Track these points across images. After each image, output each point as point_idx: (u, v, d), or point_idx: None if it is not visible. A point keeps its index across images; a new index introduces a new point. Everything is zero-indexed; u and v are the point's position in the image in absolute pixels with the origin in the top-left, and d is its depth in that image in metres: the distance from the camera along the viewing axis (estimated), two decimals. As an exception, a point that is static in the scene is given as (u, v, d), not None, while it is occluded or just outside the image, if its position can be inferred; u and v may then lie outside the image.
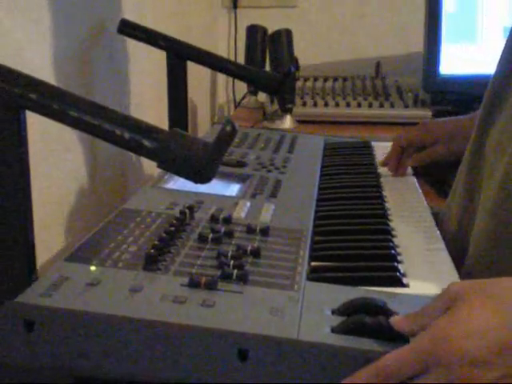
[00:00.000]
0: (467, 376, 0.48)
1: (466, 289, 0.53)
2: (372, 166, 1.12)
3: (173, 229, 0.72)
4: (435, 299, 0.55)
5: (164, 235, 0.70)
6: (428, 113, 1.75)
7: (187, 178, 0.60)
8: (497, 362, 0.48)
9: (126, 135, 0.59)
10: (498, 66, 0.85)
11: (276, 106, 1.73)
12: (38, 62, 0.88)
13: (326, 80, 1.91)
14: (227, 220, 0.78)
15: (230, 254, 0.67)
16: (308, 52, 2.04)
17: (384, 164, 1.12)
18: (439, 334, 0.50)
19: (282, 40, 1.73)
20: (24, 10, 0.84)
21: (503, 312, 0.50)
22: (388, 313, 0.57)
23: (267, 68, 1.83)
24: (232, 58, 2.07)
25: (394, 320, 0.55)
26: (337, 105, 1.77)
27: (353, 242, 0.77)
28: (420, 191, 1.02)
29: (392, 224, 0.84)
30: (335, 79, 1.91)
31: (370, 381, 0.50)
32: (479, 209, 0.78)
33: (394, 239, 0.79)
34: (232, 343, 0.52)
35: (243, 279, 0.62)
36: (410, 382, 0.50)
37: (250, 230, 0.75)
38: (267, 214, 0.82)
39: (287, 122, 1.69)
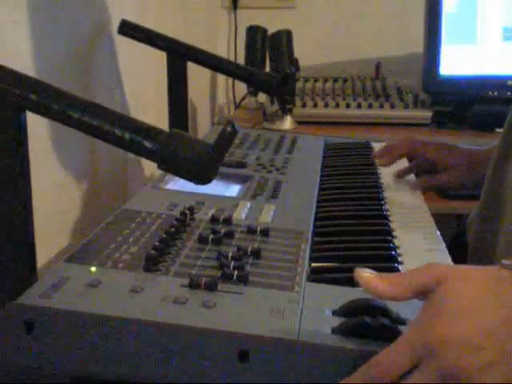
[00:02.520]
0: (458, 362, 0.48)
1: (450, 271, 0.52)
2: (372, 166, 1.12)
3: (173, 230, 0.72)
4: (417, 272, 0.53)
5: (164, 236, 0.70)
6: (428, 114, 1.75)
7: (187, 178, 0.60)
8: (485, 346, 0.48)
9: (126, 136, 0.59)
10: None
11: (276, 107, 1.74)
12: (37, 62, 0.88)
13: (326, 81, 1.91)
14: (227, 221, 0.78)
15: (230, 255, 0.67)
16: (308, 53, 2.04)
17: (380, 156, 1.10)
18: (426, 324, 0.50)
19: (281, 41, 1.73)
20: (24, 11, 0.84)
21: (488, 297, 0.50)
22: (388, 313, 0.57)
23: (267, 69, 1.84)
24: (232, 59, 2.07)
25: (372, 282, 0.54)
26: (337, 105, 1.77)
27: (353, 243, 0.77)
28: (420, 191, 1.02)
29: (392, 225, 0.84)
30: (335, 80, 1.91)
31: (366, 380, 0.50)
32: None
33: (394, 240, 0.79)
34: (232, 344, 0.52)
35: (243, 280, 0.62)
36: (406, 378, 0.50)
37: (251, 230, 0.75)
38: (267, 215, 0.82)
39: (287, 123, 1.69)
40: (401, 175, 1.08)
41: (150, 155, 0.59)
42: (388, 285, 0.53)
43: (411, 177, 1.10)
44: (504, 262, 0.52)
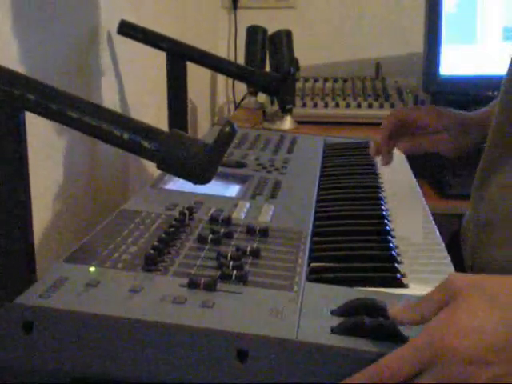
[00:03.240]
0: (464, 374, 0.48)
1: (466, 285, 0.52)
2: (372, 166, 1.12)
3: (172, 230, 0.72)
4: (435, 290, 0.54)
5: (164, 236, 0.70)
6: (428, 113, 1.75)
7: (187, 178, 0.60)
8: (493, 361, 0.48)
9: (126, 136, 0.59)
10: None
11: (276, 107, 1.74)
12: (37, 62, 0.88)
13: (325, 81, 1.91)
14: (227, 221, 0.78)
15: (229, 255, 0.67)
16: (308, 53, 2.04)
17: (377, 151, 1.01)
18: (436, 333, 0.50)
19: (281, 41, 1.73)
20: (24, 12, 0.84)
21: (501, 311, 0.50)
22: (387, 313, 0.57)
23: (267, 69, 1.84)
24: (232, 59, 2.07)
25: (394, 311, 0.55)
26: (337, 105, 1.77)
27: (352, 243, 0.77)
28: (420, 191, 1.02)
29: (391, 225, 0.84)
30: (335, 80, 1.91)
31: (371, 381, 0.50)
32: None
33: (394, 240, 0.79)
34: (231, 344, 0.52)
35: (243, 280, 0.62)
36: (411, 383, 0.50)
37: (250, 230, 0.75)
38: (267, 215, 0.82)
39: (287, 123, 1.69)
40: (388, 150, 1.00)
41: (150, 155, 0.59)
42: (411, 313, 0.54)
43: (410, 177, 1.10)
44: None
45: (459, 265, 0.74)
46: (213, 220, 0.78)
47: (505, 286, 0.52)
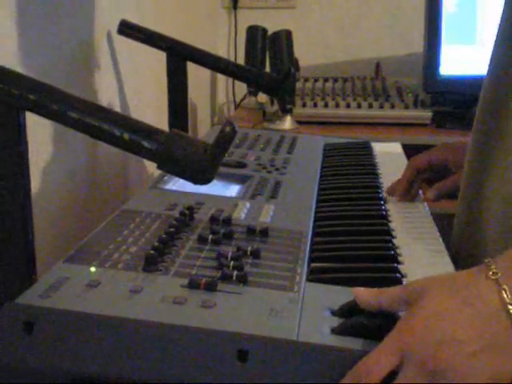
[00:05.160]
0: (437, 355, 0.50)
1: (426, 283, 0.55)
2: (372, 166, 1.12)
3: (173, 230, 0.72)
4: (401, 287, 0.57)
5: (164, 236, 0.70)
6: (428, 114, 1.75)
7: (187, 179, 0.60)
8: (466, 339, 0.50)
9: (126, 136, 0.59)
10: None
11: (276, 107, 1.74)
12: (37, 62, 0.88)
13: (325, 81, 1.91)
14: (227, 221, 0.77)
15: (229, 255, 0.67)
16: (308, 53, 2.04)
17: (391, 191, 0.97)
18: (405, 326, 0.52)
19: (281, 41, 1.73)
20: (24, 11, 0.84)
21: (462, 296, 0.52)
22: (387, 314, 0.57)
23: (267, 69, 1.84)
24: (232, 59, 2.07)
25: (358, 290, 0.58)
26: (337, 105, 1.77)
27: (353, 243, 0.77)
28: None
29: (392, 225, 0.84)
30: (335, 80, 1.91)
31: (353, 381, 0.51)
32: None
33: (394, 240, 0.79)
34: (232, 344, 0.52)
35: (243, 280, 0.62)
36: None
37: (250, 231, 0.75)
38: (267, 215, 0.82)
39: (287, 123, 1.69)
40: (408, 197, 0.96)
41: (150, 155, 0.59)
42: (372, 298, 0.57)
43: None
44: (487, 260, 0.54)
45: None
46: (213, 220, 0.78)
47: (461, 276, 0.55)
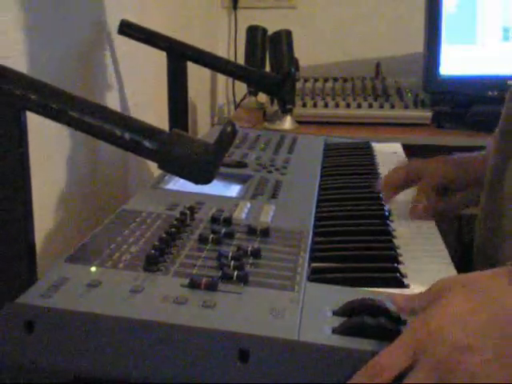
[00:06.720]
0: (450, 357, 0.50)
1: (449, 282, 0.55)
2: (372, 166, 1.12)
3: (173, 230, 0.72)
4: (425, 291, 0.57)
5: (164, 236, 0.70)
6: (428, 114, 1.75)
7: (188, 178, 0.60)
8: (479, 346, 0.50)
9: (127, 136, 0.59)
10: None
11: (276, 107, 1.73)
12: (38, 62, 0.88)
13: (326, 81, 1.91)
14: (228, 221, 0.77)
15: (230, 255, 0.67)
16: (308, 53, 2.04)
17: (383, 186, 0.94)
18: (419, 326, 0.52)
19: (281, 41, 1.73)
20: (24, 11, 0.84)
21: (481, 299, 0.52)
22: (388, 314, 0.57)
23: (267, 69, 1.84)
24: (232, 59, 2.07)
25: (396, 297, 0.58)
26: (337, 106, 1.77)
27: (353, 243, 0.77)
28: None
29: (392, 225, 0.84)
30: (335, 80, 1.91)
31: (366, 380, 0.51)
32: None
33: (395, 240, 0.79)
34: (233, 344, 0.52)
35: (244, 280, 0.62)
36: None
37: (251, 230, 0.75)
38: (268, 215, 0.82)
39: (287, 123, 1.69)
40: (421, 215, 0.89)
41: (150, 155, 0.59)
42: (409, 304, 0.57)
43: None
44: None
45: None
46: (214, 220, 0.78)
47: (482, 278, 0.55)
